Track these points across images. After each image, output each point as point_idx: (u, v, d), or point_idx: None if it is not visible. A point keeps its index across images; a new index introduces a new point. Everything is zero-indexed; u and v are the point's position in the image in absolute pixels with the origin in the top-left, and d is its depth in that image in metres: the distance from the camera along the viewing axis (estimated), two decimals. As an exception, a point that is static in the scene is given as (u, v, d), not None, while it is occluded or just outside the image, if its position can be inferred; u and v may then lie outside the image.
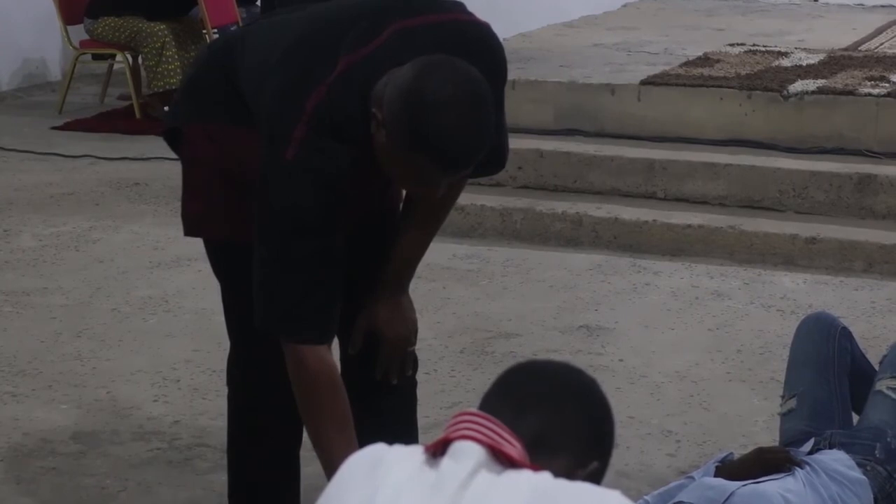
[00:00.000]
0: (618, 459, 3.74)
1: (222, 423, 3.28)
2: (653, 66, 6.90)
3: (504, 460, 1.74)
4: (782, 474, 3.16)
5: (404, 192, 3.10)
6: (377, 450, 1.82)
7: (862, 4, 9.72)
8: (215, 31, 8.57)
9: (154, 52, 8.26)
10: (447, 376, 4.49)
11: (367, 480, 1.77)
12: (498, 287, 5.45)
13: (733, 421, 4.18)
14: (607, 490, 1.74)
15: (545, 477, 1.73)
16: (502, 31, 3.37)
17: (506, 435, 1.76)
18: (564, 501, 1.71)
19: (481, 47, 2.82)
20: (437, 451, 1.78)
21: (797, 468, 3.18)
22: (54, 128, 8.26)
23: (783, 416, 3.54)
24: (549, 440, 1.80)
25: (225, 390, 3.23)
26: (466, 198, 5.39)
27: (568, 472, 1.77)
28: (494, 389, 1.86)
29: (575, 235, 5.96)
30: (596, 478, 1.81)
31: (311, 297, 2.75)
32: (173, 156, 3.12)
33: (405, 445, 1.83)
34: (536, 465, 1.75)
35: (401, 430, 3.01)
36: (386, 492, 1.74)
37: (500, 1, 7.87)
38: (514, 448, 1.75)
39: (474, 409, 1.80)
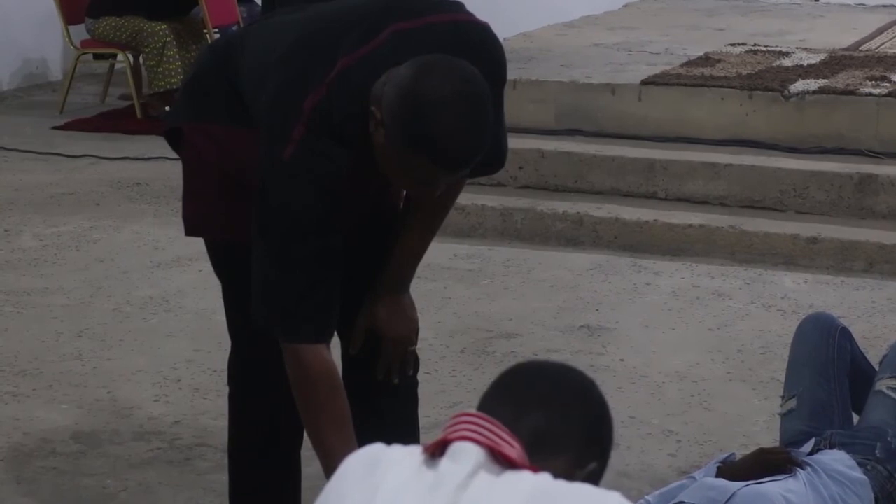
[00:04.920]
0: (618, 459, 3.74)
1: (223, 423, 3.28)
2: (653, 65, 6.90)
3: (503, 461, 1.74)
4: (784, 475, 3.16)
5: (404, 192, 3.10)
6: (376, 450, 1.82)
7: (863, 4, 9.72)
8: (216, 30, 8.58)
9: (155, 51, 8.25)
10: (448, 376, 4.49)
11: (365, 481, 1.77)
12: (498, 287, 5.45)
13: (734, 421, 4.18)
14: (607, 491, 1.74)
15: (544, 478, 1.73)
16: (502, 31, 3.37)
17: (505, 436, 1.76)
18: (564, 502, 1.71)
19: (481, 48, 2.82)
20: (436, 451, 1.77)
21: (798, 469, 3.18)
22: (55, 127, 8.26)
23: (783, 416, 3.55)
24: (548, 441, 1.79)
25: (226, 390, 3.23)
26: (467, 198, 5.40)
27: (567, 472, 1.77)
28: (493, 390, 1.86)
29: (575, 235, 5.96)
30: (594, 478, 1.81)
31: (311, 297, 2.75)
32: (174, 156, 3.12)
33: (404, 446, 1.83)
34: (535, 466, 1.74)
35: (402, 430, 3.01)
36: (384, 492, 1.74)
37: (500, 1, 7.86)
38: (513, 449, 1.75)
39: (473, 410, 1.80)
